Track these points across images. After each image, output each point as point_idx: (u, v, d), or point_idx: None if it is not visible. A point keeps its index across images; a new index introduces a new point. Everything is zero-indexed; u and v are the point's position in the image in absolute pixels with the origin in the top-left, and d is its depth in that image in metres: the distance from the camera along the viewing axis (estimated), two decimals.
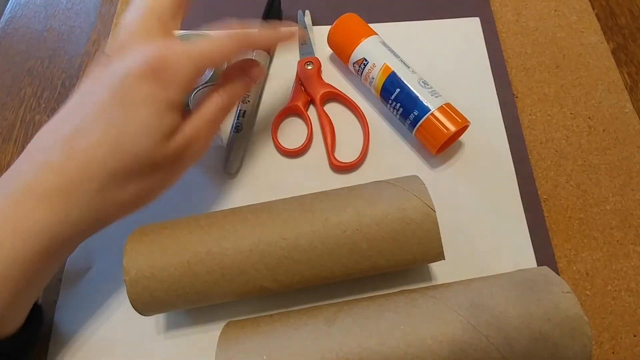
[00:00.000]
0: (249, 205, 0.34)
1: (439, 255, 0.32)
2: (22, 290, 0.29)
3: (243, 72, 0.37)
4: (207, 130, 0.34)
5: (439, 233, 0.31)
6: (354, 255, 0.31)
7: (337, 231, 0.31)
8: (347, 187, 0.34)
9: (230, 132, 0.43)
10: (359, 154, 0.42)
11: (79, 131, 0.29)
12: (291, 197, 0.34)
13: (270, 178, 0.42)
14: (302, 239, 0.31)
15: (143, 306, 0.32)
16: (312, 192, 0.40)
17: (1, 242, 0.27)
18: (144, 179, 0.31)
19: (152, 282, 0.31)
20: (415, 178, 0.33)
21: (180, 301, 0.32)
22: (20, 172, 0.29)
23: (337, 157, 0.42)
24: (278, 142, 0.43)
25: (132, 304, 0.31)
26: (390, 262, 0.32)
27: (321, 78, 0.46)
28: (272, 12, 0.49)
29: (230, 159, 0.42)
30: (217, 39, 0.33)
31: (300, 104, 0.44)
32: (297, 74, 0.46)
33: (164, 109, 0.30)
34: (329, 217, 0.31)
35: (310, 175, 0.42)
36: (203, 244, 0.31)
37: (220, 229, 0.32)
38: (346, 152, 0.42)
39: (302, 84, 0.46)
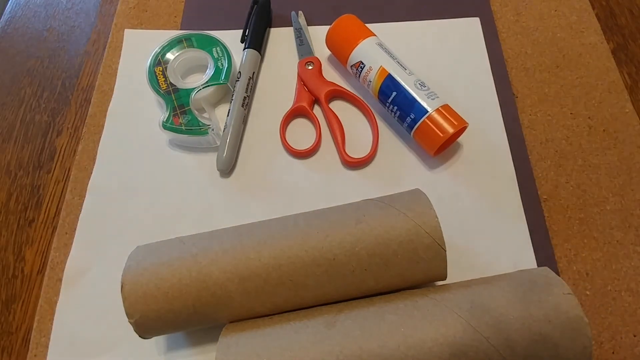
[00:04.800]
0: (249, 234, 0.32)
1: (442, 279, 0.32)
2: None
3: None
4: None
5: (445, 269, 0.31)
6: (360, 289, 0.31)
7: (345, 270, 0.30)
8: (355, 213, 0.32)
9: (223, 130, 0.43)
10: (368, 149, 0.42)
11: None
12: (294, 224, 0.32)
13: (284, 180, 0.42)
14: (310, 280, 0.30)
15: (150, 336, 0.32)
16: (327, 190, 0.40)
17: None
18: None
19: (158, 322, 0.31)
20: (426, 206, 0.31)
21: (184, 329, 0.32)
22: None
23: (348, 154, 0.42)
24: (288, 144, 0.43)
25: (139, 336, 0.32)
26: (393, 290, 0.32)
27: (323, 77, 0.46)
28: (261, 13, 0.48)
29: (225, 157, 0.42)
30: None
31: (305, 104, 0.44)
32: (298, 74, 0.46)
33: None
34: (337, 256, 0.30)
35: (323, 173, 0.42)
36: (206, 288, 0.30)
37: (223, 270, 0.31)
38: (355, 148, 0.43)
39: (304, 84, 0.46)
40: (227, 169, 0.42)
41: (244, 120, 0.44)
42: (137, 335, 0.36)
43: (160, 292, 0.30)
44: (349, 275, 0.31)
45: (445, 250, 0.30)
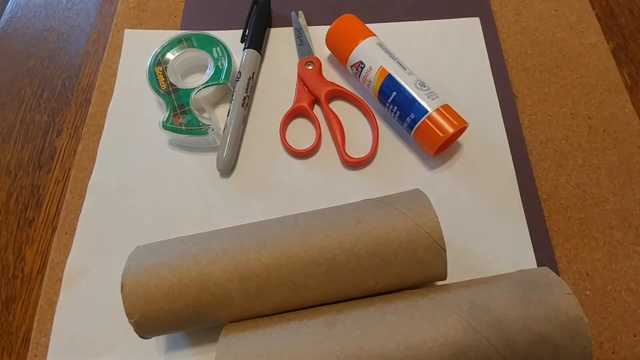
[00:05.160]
0: (249, 235, 0.32)
1: (442, 279, 0.32)
2: None
3: None
4: None
5: (445, 269, 0.31)
6: (359, 289, 0.31)
7: (345, 271, 0.30)
8: (355, 213, 0.32)
9: (223, 130, 0.43)
10: (368, 149, 0.42)
11: None
12: (294, 224, 0.32)
13: (284, 180, 0.42)
14: (310, 280, 0.30)
15: (150, 336, 0.32)
16: (327, 190, 0.40)
17: None
18: None
19: (158, 322, 0.31)
20: (426, 206, 0.31)
21: (184, 329, 0.32)
22: None
23: (348, 154, 0.42)
24: (288, 144, 0.43)
25: (139, 336, 0.32)
26: (393, 290, 0.32)
27: (323, 77, 0.46)
28: (261, 12, 0.48)
29: (225, 158, 0.42)
30: None
31: (305, 104, 0.44)
32: (298, 74, 0.46)
33: None
34: (337, 256, 0.30)
35: (323, 173, 0.42)
36: (207, 288, 0.30)
37: (223, 270, 0.31)
38: (355, 148, 0.43)
39: (304, 84, 0.46)
40: (227, 169, 0.42)
41: (244, 120, 0.44)
42: (137, 336, 0.36)
43: (160, 292, 0.30)
44: (349, 275, 0.31)
45: (445, 250, 0.30)
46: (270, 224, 0.33)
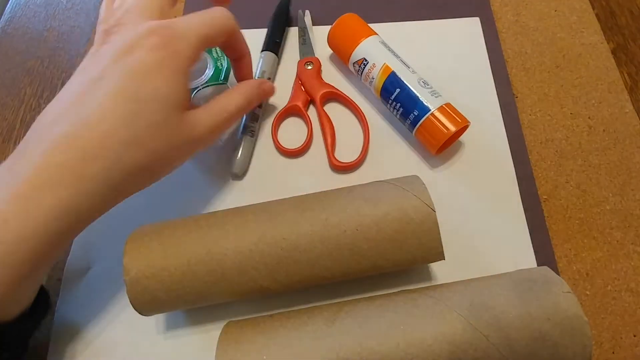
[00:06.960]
0: (249, 205, 0.34)
1: (439, 256, 0.32)
2: (28, 272, 0.28)
3: (258, 85, 0.39)
4: (223, 123, 0.35)
5: (438, 233, 0.31)
6: (354, 256, 0.31)
7: (337, 231, 0.31)
8: (347, 187, 0.34)
9: (239, 135, 0.43)
10: (358, 154, 0.42)
11: (86, 104, 0.29)
12: (291, 197, 0.34)
13: (270, 178, 0.42)
14: (302, 239, 0.31)
15: (142, 306, 0.31)
16: (312, 192, 0.40)
17: (7, 221, 0.26)
18: (158, 149, 0.31)
19: (152, 282, 0.31)
20: (415, 178, 0.33)
21: (180, 301, 0.32)
22: (28, 149, 0.29)
23: (337, 157, 0.42)
24: (278, 142, 0.43)
25: (131, 303, 0.31)
26: (390, 262, 0.32)
27: (321, 78, 0.46)
28: (281, 14, 0.49)
29: (239, 161, 0.42)
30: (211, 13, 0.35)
31: (300, 103, 0.44)
32: (297, 74, 0.46)
33: (173, 77, 0.31)
34: (329, 217, 0.31)
35: (311, 175, 0.42)
36: (203, 245, 0.31)
37: (221, 229, 0.32)
38: (346, 152, 0.42)
39: (302, 84, 0.46)
40: (241, 171, 0.42)
41: (257, 124, 0.44)
42: (137, 335, 0.36)
43: (157, 245, 0.32)
44: (341, 237, 0.31)
45: (435, 212, 0.31)
46: (269, 202, 0.35)
